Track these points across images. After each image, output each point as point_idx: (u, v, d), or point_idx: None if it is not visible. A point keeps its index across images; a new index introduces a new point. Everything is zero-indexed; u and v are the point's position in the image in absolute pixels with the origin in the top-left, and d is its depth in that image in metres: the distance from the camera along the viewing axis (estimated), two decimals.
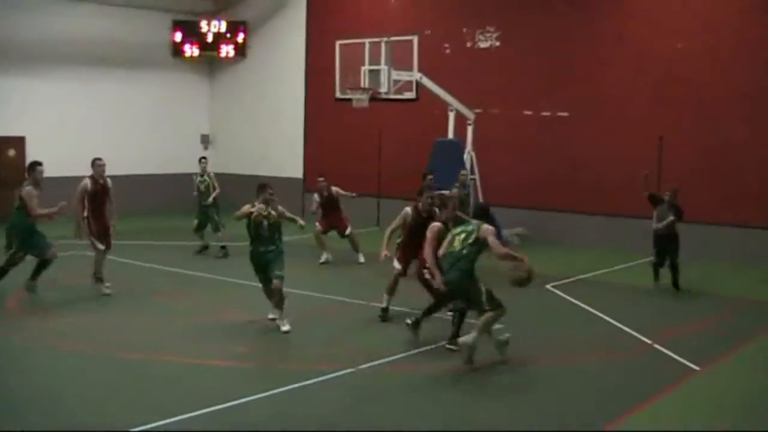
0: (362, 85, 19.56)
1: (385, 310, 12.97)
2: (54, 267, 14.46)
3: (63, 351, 11.18)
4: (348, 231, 18.19)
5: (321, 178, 18.20)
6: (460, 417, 8.94)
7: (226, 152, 27.85)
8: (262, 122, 27.21)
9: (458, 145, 20.27)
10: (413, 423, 8.68)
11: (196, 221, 19.06)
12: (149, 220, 24.13)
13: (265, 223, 12.17)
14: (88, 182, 14.83)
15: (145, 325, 12.62)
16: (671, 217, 15.47)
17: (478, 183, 20.55)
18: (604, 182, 20.56)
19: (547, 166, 21.33)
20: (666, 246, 15.69)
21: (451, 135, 20.40)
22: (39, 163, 12.80)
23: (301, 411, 8.98)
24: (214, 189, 18.85)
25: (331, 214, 18.22)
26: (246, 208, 12.25)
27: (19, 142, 24.16)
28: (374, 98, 19.61)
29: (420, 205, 13.17)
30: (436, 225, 11.86)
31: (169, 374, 10.37)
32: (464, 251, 10.71)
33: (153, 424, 8.34)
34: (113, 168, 25.05)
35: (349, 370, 10.30)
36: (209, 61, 28.44)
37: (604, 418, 8.87)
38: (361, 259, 17.97)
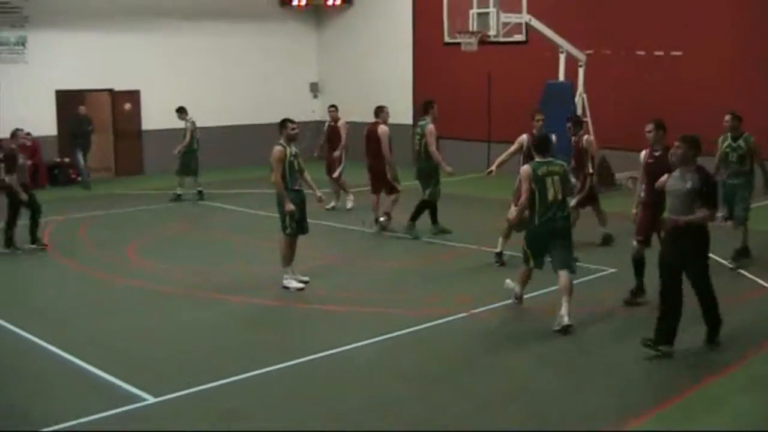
0: (470, 29, 19.37)
1: (499, 254, 12.92)
2: None
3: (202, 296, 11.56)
4: (336, 173, 17.99)
5: (332, 108, 18.69)
6: (578, 356, 8.92)
7: (335, 100, 27.92)
8: (370, 69, 27.21)
9: (569, 87, 19.95)
10: (528, 368, 8.71)
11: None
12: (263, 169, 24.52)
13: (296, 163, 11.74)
14: (386, 130, 15.53)
15: (253, 270, 12.91)
16: None
17: (590, 125, 20.21)
18: (717, 122, 19.92)
19: (659, 107, 20.76)
20: None
21: (561, 77, 20.09)
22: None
23: (411, 355, 9.10)
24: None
25: (332, 148, 18.22)
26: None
27: (134, 96, 24.79)
28: (483, 42, 19.40)
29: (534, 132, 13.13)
30: None
31: (290, 318, 10.62)
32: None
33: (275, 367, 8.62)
34: (222, 118, 25.82)
35: (462, 314, 10.36)
36: (316, 10, 28.52)
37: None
38: (349, 205, 17.85)
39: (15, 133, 14.96)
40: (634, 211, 10.73)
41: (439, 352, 9.19)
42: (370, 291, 11.77)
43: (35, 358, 9.19)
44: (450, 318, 10.25)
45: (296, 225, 11.69)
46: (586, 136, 14.03)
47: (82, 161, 22.41)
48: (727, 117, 13.27)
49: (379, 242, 15.10)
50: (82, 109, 22.75)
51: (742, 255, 12.79)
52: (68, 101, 23.09)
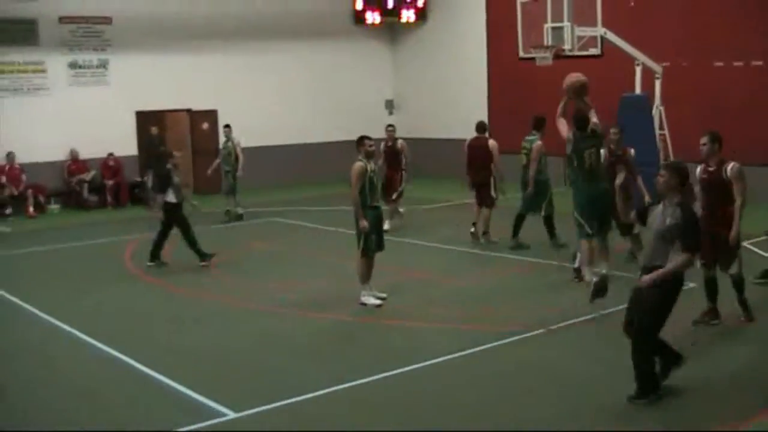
0: (545, 43, 19.29)
1: (578, 270, 12.78)
2: None
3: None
4: (394, 196, 17.55)
5: (390, 127, 18.27)
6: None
7: (411, 117, 28.10)
8: (445, 85, 27.25)
9: (646, 100, 19.73)
10: (606, 382, 8.64)
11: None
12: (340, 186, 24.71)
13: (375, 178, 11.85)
14: (496, 144, 16.20)
15: (332, 286, 13.02)
16: None
17: (667, 138, 19.97)
18: None
19: (740, 120, 20.44)
20: None
21: (638, 90, 19.89)
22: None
23: (490, 370, 9.09)
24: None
25: (390, 168, 17.72)
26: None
27: (211, 115, 25.21)
28: (558, 56, 19.30)
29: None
30: None
31: (363, 333, 10.70)
32: None
33: (354, 383, 8.69)
34: (299, 137, 26.11)
35: (540, 331, 10.31)
36: (390, 27, 28.68)
37: None
38: (386, 227, 15.88)
39: (170, 154, 15.44)
40: None
41: (518, 365, 9.19)
42: (447, 306, 11.78)
43: (119, 374, 9.39)
44: (529, 334, 10.22)
45: (373, 242, 11.72)
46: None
47: (149, 182, 22.38)
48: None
49: (456, 257, 15.13)
50: (153, 130, 23.23)
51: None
52: (148, 121, 23.61)
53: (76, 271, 14.89)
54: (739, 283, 10.38)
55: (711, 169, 10.27)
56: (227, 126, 20.10)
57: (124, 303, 12.64)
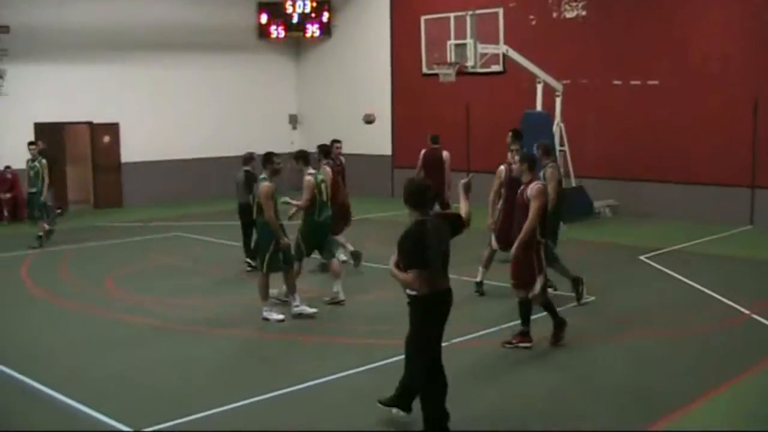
0: (448, 60, 19.51)
1: (479, 284, 12.96)
2: None
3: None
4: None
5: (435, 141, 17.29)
6: (543, 393, 8.95)
7: (314, 131, 28.08)
8: (349, 100, 27.32)
9: (547, 117, 20.11)
10: (503, 399, 8.72)
11: None
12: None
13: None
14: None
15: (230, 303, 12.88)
16: None
17: (567, 155, 20.38)
18: (695, 151, 20.15)
19: (637, 136, 20.98)
20: None
21: (539, 107, 20.25)
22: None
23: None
24: None
25: (434, 177, 16.49)
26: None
27: (113, 128, 24.79)
28: (461, 72, 19.54)
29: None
30: None
31: (262, 353, 10.60)
32: None
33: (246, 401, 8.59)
34: (202, 151, 25.87)
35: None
36: (295, 42, 28.68)
37: (692, 393, 8.69)
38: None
39: (252, 156, 15.49)
40: None
41: None
42: (353, 323, 11.75)
43: (18, 396, 9.13)
44: None
45: (277, 259, 11.61)
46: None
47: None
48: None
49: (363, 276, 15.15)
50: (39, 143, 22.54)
51: None
52: (47, 134, 23.05)
53: None
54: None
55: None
56: (33, 143, 18.54)
57: (17, 320, 12.30)
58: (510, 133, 13.99)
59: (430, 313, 7.43)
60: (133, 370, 9.75)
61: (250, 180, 14.20)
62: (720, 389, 8.80)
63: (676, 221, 19.71)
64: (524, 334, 10.25)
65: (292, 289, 11.88)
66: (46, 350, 10.77)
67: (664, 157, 20.55)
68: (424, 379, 7.53)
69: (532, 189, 10.15)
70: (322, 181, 12.70)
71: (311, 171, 12.47)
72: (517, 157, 11.43)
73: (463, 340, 10.48)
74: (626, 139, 21.15)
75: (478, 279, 12.95)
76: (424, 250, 7.17)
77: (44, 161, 18.05)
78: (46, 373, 9.64)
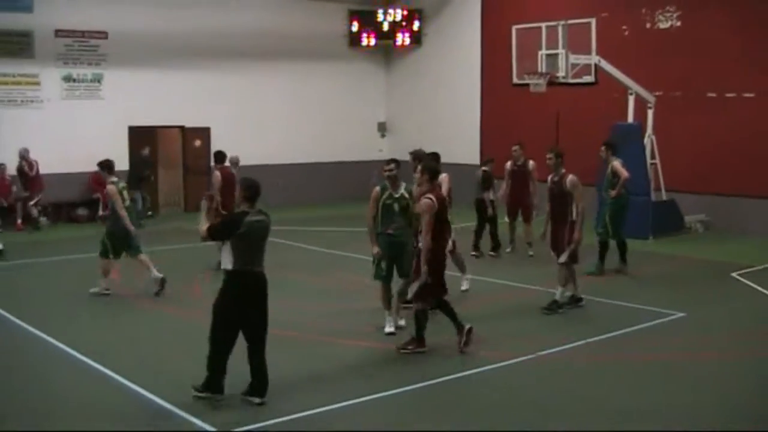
0: (539, 70, 19.39)
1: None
2: None
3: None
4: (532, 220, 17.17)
5: (516, 147, 17.35)
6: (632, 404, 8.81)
7: (403, 140, 28.13)
8: (438, 109, 27.31)
9: (638, 129, 19.83)
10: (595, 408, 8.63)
11: None
12: (334, 208, 24.68)
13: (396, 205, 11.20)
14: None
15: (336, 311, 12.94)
16: None
17: (658, 168, 20.07)
18: None
19: (731, 150, 20.50)
20: None
21: (630, 119, 19.98)
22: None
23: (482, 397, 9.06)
24: None
25: (518, 189, 17.32)
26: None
27: (204, 133, 25.22)
28: (552, 83, 19.40)
29: None
30: None
31: (338, 356, 10.52)
32: None
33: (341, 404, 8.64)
34: (292, 157, 26.13)
35: (529, 356, 10.30)
36: (385, 50, 28.80)
37: None
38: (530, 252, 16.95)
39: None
40: None
41: (509, 392, 9.18)
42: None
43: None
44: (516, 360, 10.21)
45: (385, 269, 11.18)
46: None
47: (139, 203, 21.88)
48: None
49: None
50: (145, 150, 23.25)
51: None
52: (140, 137, 23.59)
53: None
54: None
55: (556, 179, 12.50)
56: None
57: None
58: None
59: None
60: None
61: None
62: None
63: None
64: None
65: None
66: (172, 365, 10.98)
67: (759, 173, 20.05)
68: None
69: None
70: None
71: None
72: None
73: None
74: (719, 153, 20.68)
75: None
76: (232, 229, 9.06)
77: (121, 184, 14.06)
78: (153, 381, 9.83)
